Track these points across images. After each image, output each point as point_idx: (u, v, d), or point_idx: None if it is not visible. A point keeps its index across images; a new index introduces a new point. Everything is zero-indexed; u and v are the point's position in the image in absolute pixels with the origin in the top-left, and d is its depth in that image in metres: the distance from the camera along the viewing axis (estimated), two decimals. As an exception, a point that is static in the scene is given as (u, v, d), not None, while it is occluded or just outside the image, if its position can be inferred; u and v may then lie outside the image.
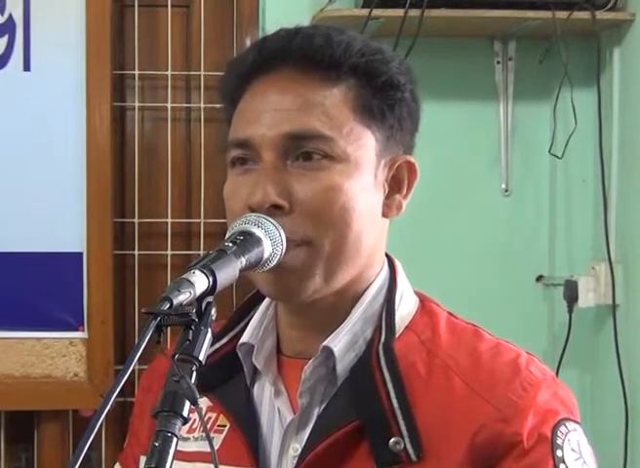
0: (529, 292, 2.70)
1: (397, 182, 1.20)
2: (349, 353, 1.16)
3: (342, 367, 1.16)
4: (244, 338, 1.21)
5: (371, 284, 1.20)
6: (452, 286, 2.47)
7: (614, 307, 2.54)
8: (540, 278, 2.71)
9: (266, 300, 1.25)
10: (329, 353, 1.16)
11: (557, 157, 2.62)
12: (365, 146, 1.15)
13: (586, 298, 2.57)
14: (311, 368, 1.16)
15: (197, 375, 1.19)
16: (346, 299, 1.19)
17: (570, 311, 2.59)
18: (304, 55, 1.15)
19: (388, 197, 1.19)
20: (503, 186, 2.69)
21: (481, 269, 2.67)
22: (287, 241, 1.10)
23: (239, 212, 1.13)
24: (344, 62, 1.15)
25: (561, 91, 2.59)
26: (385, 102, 1.17)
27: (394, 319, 1.18)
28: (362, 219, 1.14)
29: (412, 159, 1.21)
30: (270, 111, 1.14)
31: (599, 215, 2.57)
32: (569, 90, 2.55)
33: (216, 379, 1.21)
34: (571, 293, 2.59)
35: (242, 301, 1.28)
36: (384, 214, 1.19)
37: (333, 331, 1.16)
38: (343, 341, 1.16)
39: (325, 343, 1.16)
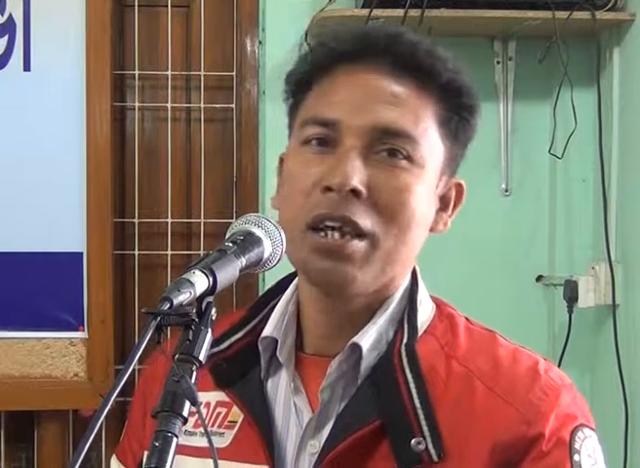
0: (529, 292, 2.70)
1: (446, 201, 1.24)
2: (373, 352, 1.17)
3: (365, 365, 1.17)
4: (266, 332, 1.21)
5: (398, 286, 1.22)
6: (451, 286, 2.47)
7: (614, 307, 2.54)
8: (539, 278, 2.71)
9: (285, 296, 1.26)
10: (355, 350, 1.16)
11: (557, 157, 2.62)
12: (438, 160, 1.19)
13: (586, 298, 2.57)
14: (337, 363, 1.17)
15: (214, 369, 1.19)
16: (377, 300, 1.20)
17: (570, 311, 2.59)
18: (404, 59, 1.17)
19: (437, 212, 1.23)
20: (503, 186, 2.69)
21: (481, 269, 2.67)
22: (355, 227, 1.12)
23: (306, 190, 1.14)
24: (438, 76, 1.18)
25: (561, 91, 2.59)
26: (460, 123, 1.21)
27: (417, 321, 1.19)
28: (420, 225, 1.18)
29: (462, 182, 1.25)
30: (361, 99, 1.15)
31: (599, 215, 2.57)
32: (569, 90, 2.55)
33: (231, 373, 1.22)
34: (571, 293, 2.58)
35: (257, 298, 1.29)
36: (432, 228, 1.23)
37: (356, 330, 1.17)
38: (371, 340, 1.17)
39: (354, 340, 1.16)
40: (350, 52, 1.18)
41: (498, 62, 2.67)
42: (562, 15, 2.45)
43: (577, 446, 1.12)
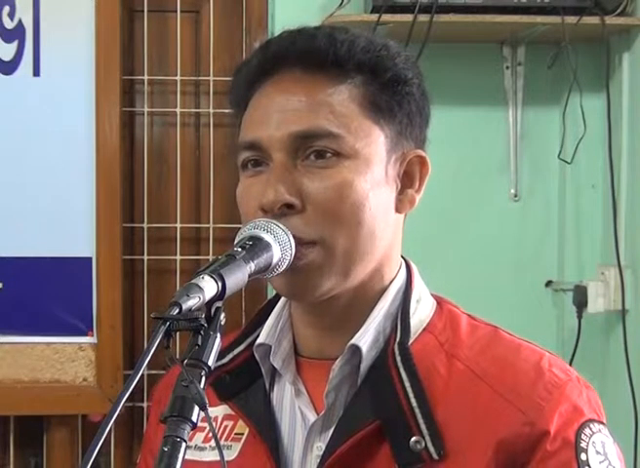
0: (538, 298, 2.70)
1: (409, 177, 1.19)
2: (371, 351, 1.16)
3: (365, 365, 1.16)
4: (260, 339, 1.21)
5: (391, 283, 1.20)
6: (461, 291, 2.46)
7: (623, 312, 2.53)
8: (549, 283, 2.70)
9: (281, 302, 1.25)
10: (355, 351, 1.15)
11: (566, 162, 2.61)
12: (374, 142, 1.15)
13: (596, 304, 2.56)
14: (339, 366, 1.16)
15: (217, 383, 1.19)
16: (364, 297, 1.18)
17: (579, 316, 2.59)
18: (308, 55, 1.15)
19: (401, 192, 1.19)
20: (513, 191, 2.69)
21: (491, 274, 2.67)
22: (300, 240, 1.10)
23: (252, 213, 1.13)
24: (349, 60, 1.15)
25: (570, 96, 2.59)
26: (393, 98, 1.17)
27: (409, 319, 1.18)
28: (374, 215, 1.14)
29: (423, 153, 1.20)
30: (277, 112, 1.14)
31: (608, 221, 2.57)
32: (578, 95, 2.55)
33: (235, 386, 1.21)
34: (580, 299, 2.58)
35: (259, 308, 1.28)
36: (398, 209, 1.19)
37: (350, 330, 1.16)
38: (370, 340, 1.16)
39: (352, 341, 1.15)
40: (262, 67, 1.18)
41: (507, 68, 2.67)
42: (571, 20, 2.45)
43: (583, 444, 1.10)
